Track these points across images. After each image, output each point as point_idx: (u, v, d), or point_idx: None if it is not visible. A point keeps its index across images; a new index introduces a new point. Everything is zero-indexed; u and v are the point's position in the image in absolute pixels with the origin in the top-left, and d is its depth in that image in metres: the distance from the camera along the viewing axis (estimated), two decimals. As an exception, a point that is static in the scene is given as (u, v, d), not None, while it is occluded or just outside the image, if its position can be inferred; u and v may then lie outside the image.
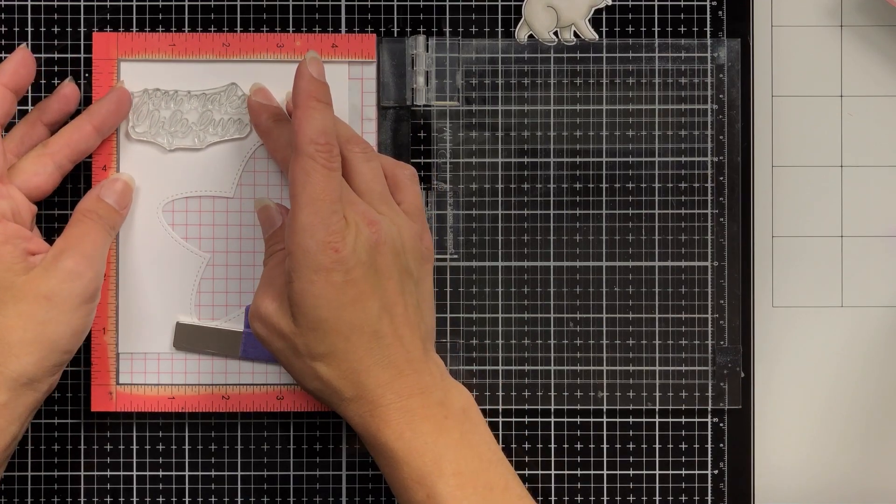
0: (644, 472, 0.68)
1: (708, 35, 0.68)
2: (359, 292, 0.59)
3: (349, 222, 0.60)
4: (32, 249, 0.62)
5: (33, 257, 0.62)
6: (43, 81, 0.68)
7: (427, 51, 0.68)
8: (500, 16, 0.68)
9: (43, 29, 0.68)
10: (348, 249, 0.59)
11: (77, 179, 0.68)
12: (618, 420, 0.68)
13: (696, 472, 0.68)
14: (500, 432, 0.68)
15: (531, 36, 0.68)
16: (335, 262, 0.59)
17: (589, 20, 0.68)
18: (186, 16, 0.68)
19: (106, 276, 0.67)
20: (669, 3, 0.68)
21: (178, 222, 0.67)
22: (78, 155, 0.65)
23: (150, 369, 0.67)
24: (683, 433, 0.68)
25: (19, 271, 0.61)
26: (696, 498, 0.68)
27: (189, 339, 0.67)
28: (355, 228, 0.60)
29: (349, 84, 0.67)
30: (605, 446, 0.68)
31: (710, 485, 0.68)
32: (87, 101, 0.68)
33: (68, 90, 0.66)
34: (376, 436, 0.60)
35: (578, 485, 0.68)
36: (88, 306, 0.62)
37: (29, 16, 0.68)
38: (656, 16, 0.68)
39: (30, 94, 0.68)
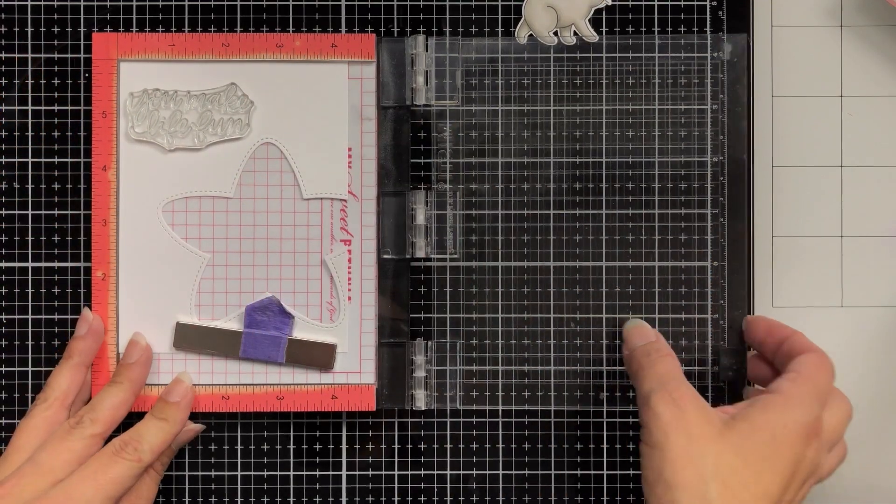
0: (644, 472, 0.68)
1: (708, 35, 0.68)
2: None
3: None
4: None
5: None
6: (43, 81, 0.68)
7: (427, 51, 0.68)
8: (500, 16, 0.68)
9: (43, 29, 0.68)
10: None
11: (77, 180, 0.68)
12: (618, 420, 0.68)
13: (696, 472, 0.68)
14: (501, 432, 0.68)
15: (531, 36, 0.68)
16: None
17: (589, 20, 0.68)
18: (186, 16, 0.68)
19: (106, 275, 0.67)
20: (669, 3, 0.68)
21: (178, 222, 0.67)
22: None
23: (151, 369, 0.67)
24: (683, 433, 0.68)
25: None
26: (696, 498, 0.68)
27: (189, 339, 0.67)
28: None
29: (349, 84, 0.67)
30: (604, 446, 0.68)
31: (710, 485, 0.68)
32: (86, 100, 0.68)
33: (96, 324, 0.67)
34: None
35: (578, 485, 0.68)
36: None
37: (29, 16, 0.68)
38: (656, 16, 0.68)
39: (30, 84, 0.68)
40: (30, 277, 0.68)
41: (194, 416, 0.68)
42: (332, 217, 0.67)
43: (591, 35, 0.68)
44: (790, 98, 0.69)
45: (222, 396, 0.67)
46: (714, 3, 0.68)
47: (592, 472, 0.68)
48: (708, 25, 0.68)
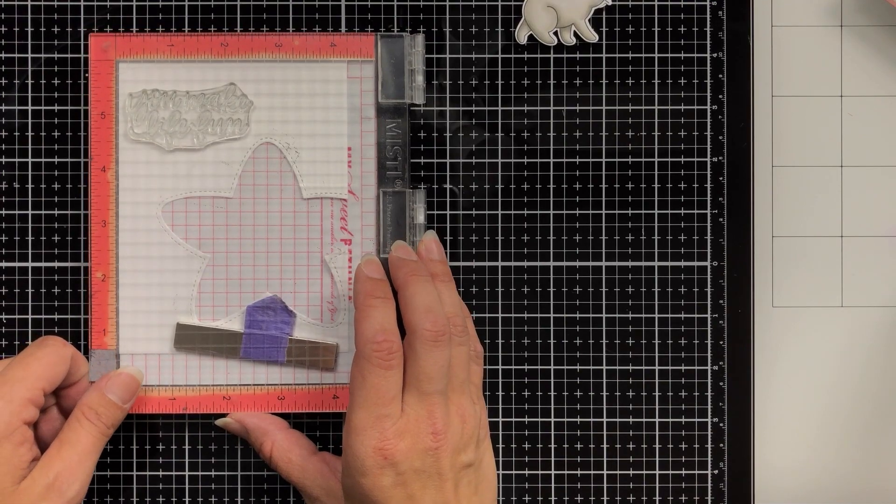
0: (644, 472, 0.68)
1: (708, 35, 0.68)
2: (408, 494, 0.60)
3: (410, 430, 0.60)
4: (36, 455, 0.62)
5: (33, 462, 0.62)
6: (43, 81, 0.68)
7: (426, 50, 0.68)
8: (500, 16, 0.68)
9: (43, 29, 0.68)
10: (401, 455, 0.59)
11: (77, 180, 0.68)
12: (618, 420, 0.68)
13: (696, 472, 0.68)
14: (500, 432, 0.68)
15: (531, 36, 0.68)
16: (384, 466, 0.59)
17: (589, 20, 0.68)
18: (186, 16, 0.68)
19: (106, 276, 0.67)
20: (669, 2, 0.68)
21: (178, 222, 0.67)
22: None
23: (151, 370, 0.67)
24: (683, 433, 0.68)
25: (17, 479, 0.61)
26: (696, 498, 0.68)
27: (189, 339, 0.67)
28: (414, 437, 0.60)
29: (348, 83, 0.67)
30: (605, 446, 0.68)
31: (710, 485, 0.68)
32: (86, 101, 0.68)
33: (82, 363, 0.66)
34: None
35: (578, 485, 0.68)
36: None
37: (29, 16, 0.68)
38: (656, 16, 0.68)
39: (30, 85, 0.68)
40: (30, 277, 0.68)
41: (194, 417, 0.68)
42: (332, 217, 0.67)
43: (591, 35, 0.68)
44: (790, 98, 0.69)
45: (223, 397, 0.67)
46: (714, 3, 0.68)
47: (592, 472, 0.68)
48: (708, 25, 0.68)
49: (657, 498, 0.68)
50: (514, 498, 0.68)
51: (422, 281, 0.62)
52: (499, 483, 0.68)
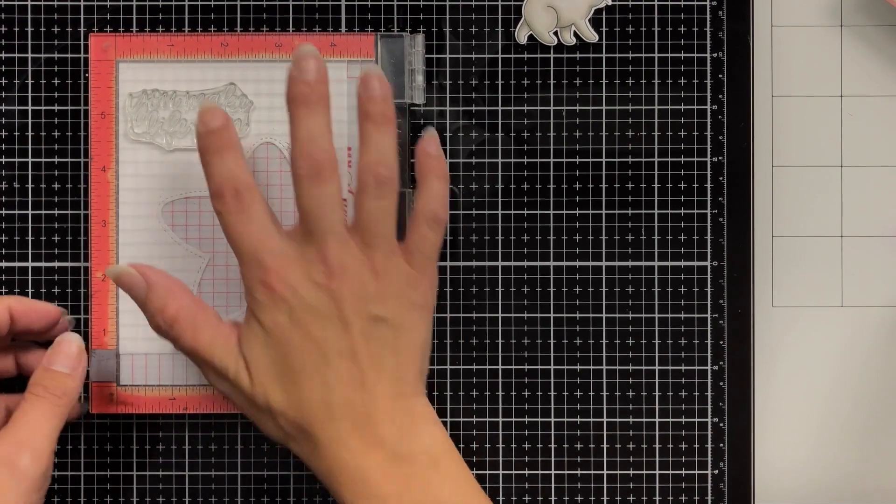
0: (644, 472, 0.68)
1: (708, 35, 0.68)
2: (306, 332, 0.59)
3: (297, 265, 0.59)
4: None
5: None
6: (43, 81, 0.68)
7: (426, 50, 0.68)
8: (500, 16, 0.68)
9: (43, 29, 0.68)
10: (289, 290, 0.59)
11: (77, 180, 0.68)
12: (618, 420, 0.68)
13: (696, 472, 0.68)
14: (501, 432, 0.68)
15: (531, 36, 0.68)
16: (276, 302, 0.59)
17: (589, 20, 0.68)
18: (186, 16, 0.68)
19: (106, 277, 0.67)
20: (669, 2, 0.68)
21: (178, 223, 0.67)
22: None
23: (151, 370, 0.67)
24: (683, 433, 0.68)
25: None
26: (696, 498, 0.68)
27: (189, 339, 0.67)
28: (303, 271, 0.59)
29: (348, 83, 0.67)
30: (605, 446, 0.68)
31: (710, 485, 0.68)
32: (86, 101, 0.68)
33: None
34: (335, 496, 0.59)
35: (578, 485, 0.68)
36: (29, 498, 0.60)
37: (29, 16, 0.68)
38: (656, 16, 0.68)
39: (30, 85, 0.68)
40: (30, 277, 0.68)
41: (194, 417, 0.68)
42: (332, 217, 0.67)
43: (591, 35, 0.68)
44: (790, 98, 0.69)
45: (223, 397, 0.67)
46: (714, 3, 0.68)
47: (592, 472, 0.68)
48: (708, 25, 0.68)
49: (657, 498, 0.68)
50: (514, 498, 0.68)
51: (307, 109, 0.60)
52: (498, 483, 0.68)
